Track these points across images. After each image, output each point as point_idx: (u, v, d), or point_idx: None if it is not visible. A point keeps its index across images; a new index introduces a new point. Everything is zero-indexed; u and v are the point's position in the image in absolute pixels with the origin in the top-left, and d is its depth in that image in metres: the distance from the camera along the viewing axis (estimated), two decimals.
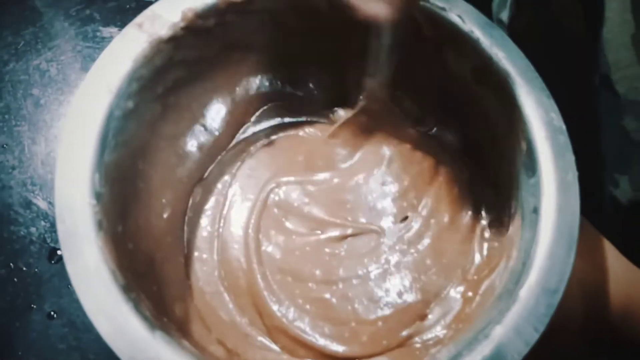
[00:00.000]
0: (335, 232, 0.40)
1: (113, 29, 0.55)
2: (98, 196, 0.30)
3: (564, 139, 0.34)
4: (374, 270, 0.39)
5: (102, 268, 0.28)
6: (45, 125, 0.52)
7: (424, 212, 0.41)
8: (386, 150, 0.43)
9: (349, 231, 0.40)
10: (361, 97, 0.41)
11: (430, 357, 0.32)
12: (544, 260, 0.30)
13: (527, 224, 0.33)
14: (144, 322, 0.27)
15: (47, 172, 0.50)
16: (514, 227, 0.36)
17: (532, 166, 0.34)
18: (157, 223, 0.36)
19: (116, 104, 0.32)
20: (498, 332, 0.29)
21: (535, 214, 0.32)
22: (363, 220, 0.41)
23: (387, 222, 0.41)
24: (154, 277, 0.33)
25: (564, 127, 0.34)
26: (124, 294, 0.27)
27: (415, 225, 0.40)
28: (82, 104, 0.32)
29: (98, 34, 0.55)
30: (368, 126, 0.43)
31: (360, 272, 0.38)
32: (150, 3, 0.35)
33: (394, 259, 0.39)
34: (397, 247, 0.39)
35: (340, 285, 0.38)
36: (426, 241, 0.40)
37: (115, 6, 0.56)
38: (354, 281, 0.38)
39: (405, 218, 0.41)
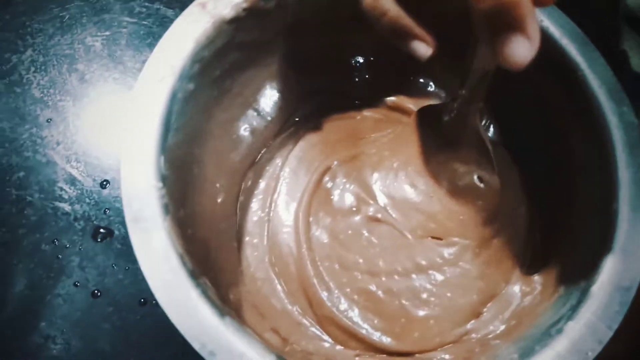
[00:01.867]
0: (370, 211, 0.39)
1: (159, 6, 0.54)
2: (164, 179, 0.29)
3: (636, 134, 0.33)
4: (413, 270, 0.38)
5: (170, 252, 0.27)
6: (90, 101, 0.51)
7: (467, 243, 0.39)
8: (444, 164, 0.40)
9: (379, 215, 0.39)
10: (444, 114, 0.39)
11: (494, 354, 0.32)
12: (618, 256, 0.30)
13: (595, 219, 0.33)
14: (213, 308, 0.27)
15: (91, 149, 0.49)
16: (577, 223, 0.35)
17: (603, 161, 0.33)
18: (212, 209, 0.36)
19: (179, 85, 0.32)
20: (571, 328, 0.29)
21: (606, 209, 0.32)
22: (394, 215, 0.40)
23: (415, 230, 0.39)
24: (210, 264, 0.33)
25: (635, 121, 0.33)
26: (192, 279, 0.27)
27: (453, 249, 0.39)
28: (146, 84, 0.31)
29: (143, 10, 0.54)
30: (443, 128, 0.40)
31: (399, 268, 0.38)
32: None
33: (434, 266, 0.38)
34: (437, 260, 0.38)
35: (384, 279, 0.37)
36: (472, 262, 0.38)
37: None
38: (396, 276, 0.37)
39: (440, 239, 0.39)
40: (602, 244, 0.31)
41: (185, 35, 0.32)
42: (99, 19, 0.54)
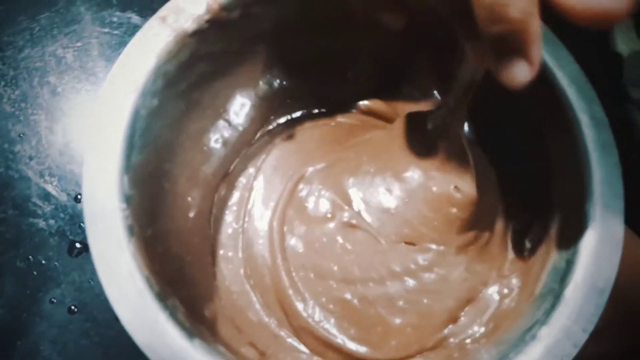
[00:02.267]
0: (344, 217, 0.39)
1: (130, 15, 0.54)
2: (128, 200, 0.29)
3: (608, 133, 0.33)
4: (388, 277, 0.37)
5: (136, 275, 0.27)
6: (63, 114, 0.51)
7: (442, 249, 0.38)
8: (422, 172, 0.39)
9: (354, 221, 0.39)
10: (428, 122, 0.38)
11: (476, 356, 0.31)
12: (591, 258, 0.30)
13: (568, 221, 0.33)
14: (181, 330, 0.26)
15: (65, 162, 0.49)
16: (552, 224, 0.35)
17: (576, 161, 0.33)
18: (185, 224, 0.35)
19: (142, 102, 0.31)
20: (545, 333, 0.28)
21: (579, 209, 0.31)
22: (368, 219, 0.39)
23: (389, 235, 0.38)
24: (184, 281, 0.33)
25: (606, 120, 0.33)
26: (159, 302, 0.27)
27: (427, 255, 0.38)
28: (106, 103, 0.30)
29: (115, 19, 0.54)
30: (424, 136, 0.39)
31: (374, 275, 0.37)
32: None
33: (407, 272, 0.37)
34: (411, 267, 0.37)
35: (359, 287, 0.37)
36: (448, 267, 0.38)
37: None
38: (371, 284, 0.37)
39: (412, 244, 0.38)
40: (576, 246, 0.31)
41: (146, 51, 0.32)
42: (69, 30, 0.53)
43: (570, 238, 0.32)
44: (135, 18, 0.54)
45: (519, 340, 0.29)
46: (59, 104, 0.51)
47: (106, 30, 0.53)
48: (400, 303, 0.36)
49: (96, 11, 0.54)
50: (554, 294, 0.30)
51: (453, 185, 0.37)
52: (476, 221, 0.38)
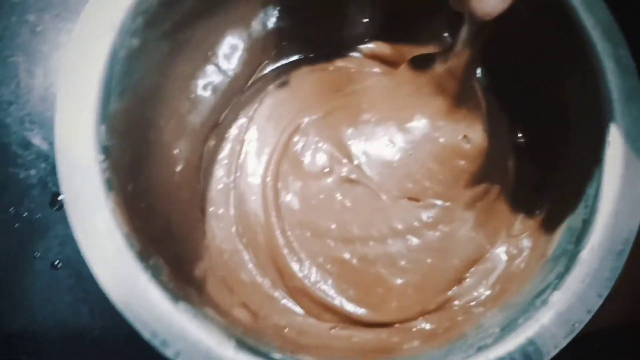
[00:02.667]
0: (343, 171, 0.37)
1: None
2: (105, 151, 0.26)
3: (634, 80, 0.30)
4: (389, 235, 0.35)
5: (115, 233, 0.25)
6: (43, 56, 0.47)
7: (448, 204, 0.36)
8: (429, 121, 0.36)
9: (353, 176, 0.37)
10: (438, 65, 0.35)
11: (477, 323, 0.30)
12: (609, 218, 0.28)
13: (586, 176, 0.30)
14: (165, 292, 0.25)
15: (46, 108, 0.46)
16: (568, 179, 0.33)
17: (597, 110, 0.30)
18: (171, 178, 0.33)
19: (120, 42, 0.28)
20: (557, 298, 0.27)
21: (598, 164, 0.29)
22: (369, 174, 0.37)
23: (391, 190, 0.36)
24: (170, 238, 0.30)
25: (633, 66, 0.30)
26: (141, 262, 0.25)
27: (432, 212, 0.36)
28: (81, 43, 0.27)
29: None
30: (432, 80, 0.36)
31: (374, 234, 0.35)
32: None
33: (411, 228, 0.36)
34: (414, 224, 0.36)
35: (358, 246, 0.35)
36: (453, 225, 0.36)
37: None
38: (371, 243, 0.35)
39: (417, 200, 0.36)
40: (594, 204, 0.29)
41: None
42: None
43: (587, 195, 0.29)
44: None
45: (528, 305, 0.28)
46: (39, 45, 0.47)
47: None
48: (402, 263, 0.34)
49: None
50: (568, 256, 0.28)
51: (462, 135, 0.34)
52: (485, 174, 0.35)
